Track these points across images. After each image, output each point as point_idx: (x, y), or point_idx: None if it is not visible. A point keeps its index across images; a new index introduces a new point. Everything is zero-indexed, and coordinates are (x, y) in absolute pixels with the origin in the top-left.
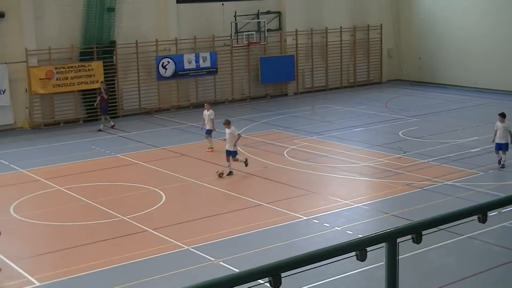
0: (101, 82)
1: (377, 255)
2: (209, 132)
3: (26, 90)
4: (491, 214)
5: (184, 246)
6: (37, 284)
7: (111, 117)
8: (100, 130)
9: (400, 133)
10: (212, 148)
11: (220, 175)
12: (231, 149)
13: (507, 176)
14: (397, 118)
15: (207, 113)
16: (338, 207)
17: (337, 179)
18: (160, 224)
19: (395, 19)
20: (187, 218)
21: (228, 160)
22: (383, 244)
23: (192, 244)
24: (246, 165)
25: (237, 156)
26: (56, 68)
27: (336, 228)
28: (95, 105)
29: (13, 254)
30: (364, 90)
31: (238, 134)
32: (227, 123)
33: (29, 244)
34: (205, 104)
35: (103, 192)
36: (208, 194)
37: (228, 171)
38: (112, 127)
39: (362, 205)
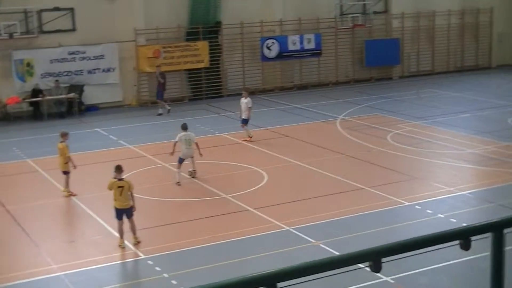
0: (157, 66)
1: (482, 245)
2: (245, 121)
3: (134, 68)
4: None
5: (284, 226)
6: (142, 256)
7: (214, 97)
8: (160, 114)
9: (509, 121)
10: (250, 137)
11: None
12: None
13: None
14: (506, 105)
15: (244, 100)
16: (442, 194)
17: (441, 166)
18: (261, 204)
19: (507, 1)
20: (289, 199)
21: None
22: (489, 234)
23: (293, 225)
24: (178, 183)
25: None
26: (163, 47)
27: (439, 215)
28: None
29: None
30: (472, 75)
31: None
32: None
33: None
34: (243, 91)
35: (206, 171)
36: (310, 176)
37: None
38: (169, 111)
39: (467, 193)
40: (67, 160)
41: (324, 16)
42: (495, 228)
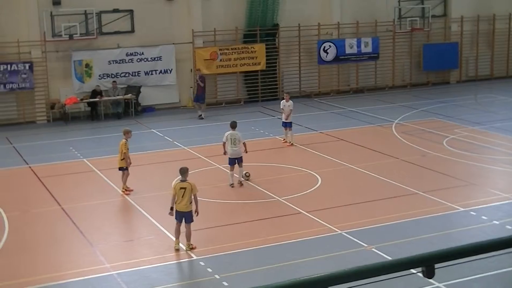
0: (196, 70)
1: None
2: (290, 125)
3: (191, 70)
4: None
5: (337, 230)
6: (194, 257)
7: (270, 99)
8: (201, 117)
9: None
10: (289, 142)
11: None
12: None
13: None
14: None
15: (287, 103)
16: (498, 201)
17: (497, 172)
18: (314, 207)
19: None
20: (342, 202)
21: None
22: None
23: (346, 228)
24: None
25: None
26: (220, 50)
27: (495, 222)
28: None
29: (171, 227)
30: None
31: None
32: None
33: None
34: (285, 94)
35: (260, 173)
36: (364, 179)
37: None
38: (200, 117)
39: None
40: (123, 157)
41: (382, 19)
42: None
